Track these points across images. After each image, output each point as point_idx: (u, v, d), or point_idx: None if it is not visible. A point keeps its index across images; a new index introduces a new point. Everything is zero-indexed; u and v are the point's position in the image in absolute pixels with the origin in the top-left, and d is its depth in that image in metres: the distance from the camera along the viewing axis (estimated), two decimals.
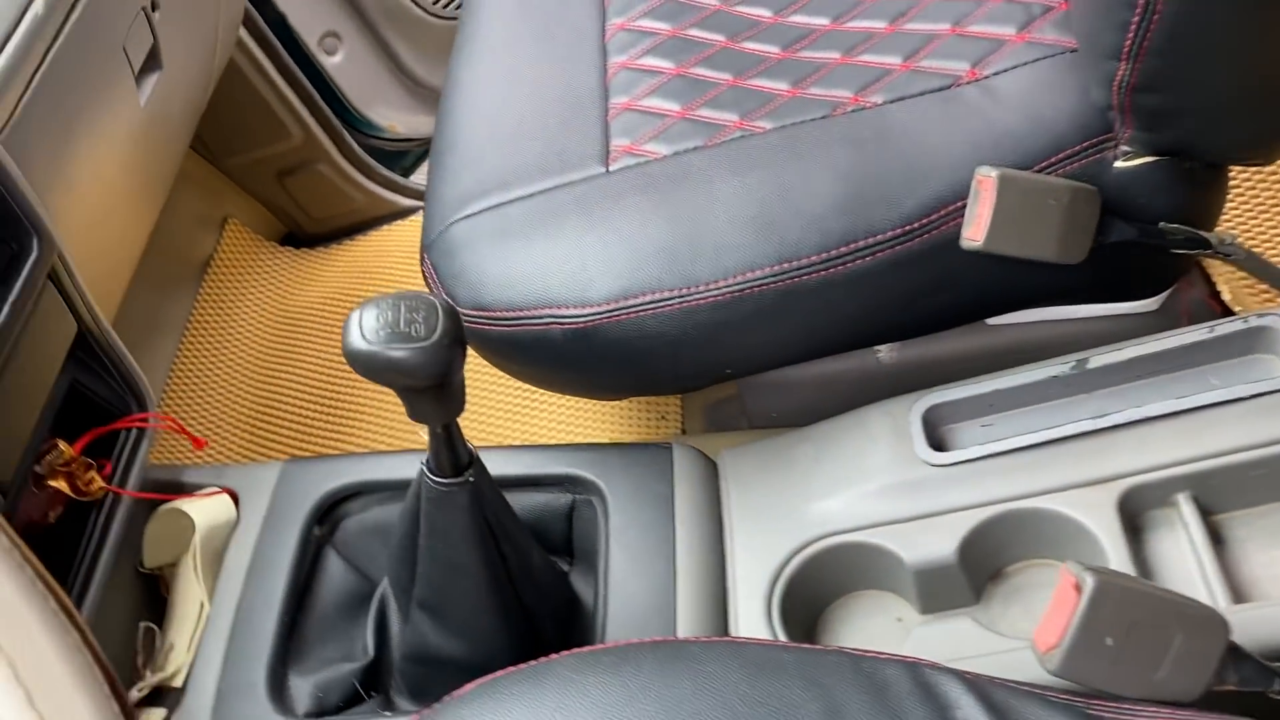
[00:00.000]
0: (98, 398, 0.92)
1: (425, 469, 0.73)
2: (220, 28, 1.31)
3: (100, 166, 0.99)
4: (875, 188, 0.84)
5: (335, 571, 0.95)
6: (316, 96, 1.61)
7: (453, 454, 0.71)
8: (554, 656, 0.64)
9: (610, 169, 0.92)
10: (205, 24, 1.25)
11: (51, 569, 0.86)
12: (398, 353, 0.62)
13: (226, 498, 0.96)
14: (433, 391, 0.64)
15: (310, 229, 1.76)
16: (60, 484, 0.86)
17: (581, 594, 0.92)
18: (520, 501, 0.93)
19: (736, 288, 0.82)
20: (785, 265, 0.82)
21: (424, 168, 1.90)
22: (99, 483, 0.87)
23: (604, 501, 0.91)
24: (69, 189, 0.92)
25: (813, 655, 0.63)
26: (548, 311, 0.86)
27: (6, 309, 0.78)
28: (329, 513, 0.97)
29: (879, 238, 0.82)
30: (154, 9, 1.07)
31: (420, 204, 1.71)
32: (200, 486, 0.98)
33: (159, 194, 1.21)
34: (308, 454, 1.38)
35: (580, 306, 0.85)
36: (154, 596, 0.98)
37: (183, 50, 1.17)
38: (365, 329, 0.62)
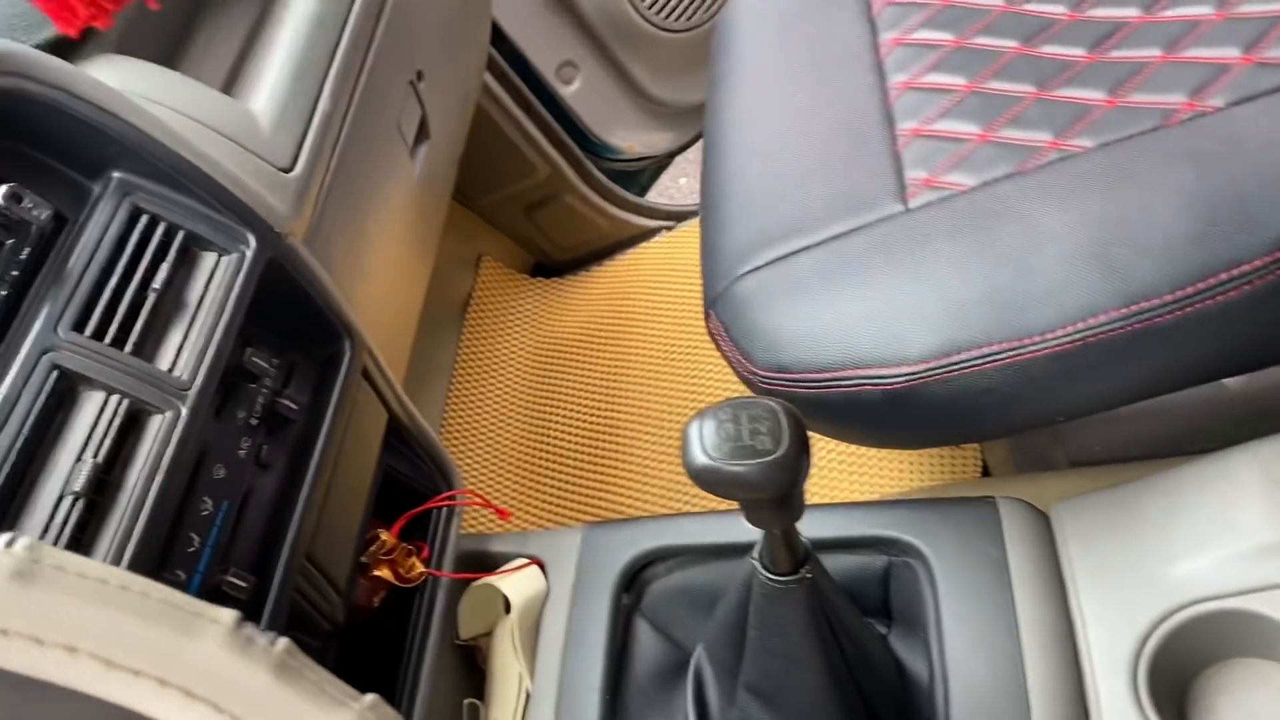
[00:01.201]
0: (408, 479, 0.93)
1: (759, 565, 0.69)
2: (470, 78, 1.32)
3: (387, 247, 1.00)
4: (1232, 210, 0.73)
5: (646, 641, 0.93)
6: (559, 129, 1.61)
7: (790, 552, 0.67)
8: None
9: (910, 206, 0.85)
10: (460, 80, 1.26)
11: (383, 654, 0.88)
12: (743, 468, 0.58)
13: (536, 570, 0.95)
14: (777, 501, 0.60)
15: (558, 258, 1.78)
16: (384, 573, 0.88)
17: (905, 660, 0.87)
18: (831, 565, 0.89)
19: (1078, 336, 0.74)
20: (1134, 308, 0.73)
21: (659, 184, 1.88)
22: (420, 568, 0.88)
23: (928, 567, 0.85)
24: (365, 278, 0.94)
25: None
26: (859, 373, 0.80)
27: (330, 414, 0.79)
28: (634, 579, 0.95)
29: (1243, 269, 0.72)
30: (420, 79, 1.07)
31: (665, 224, 1.69)
32: (506, 556, 0.99)
33: (431, 255, 1.23)
34: (580, 496, 1.37)
35: (896, 366, 0.78)
36: (470, 668, 0.99)
37: (445, 112, 1.18)
38: (707, 444, 0.58)
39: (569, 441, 1.48)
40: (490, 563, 0.99)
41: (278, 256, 0.76)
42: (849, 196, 0.89)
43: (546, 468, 1.47)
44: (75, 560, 0.32)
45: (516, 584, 0.93)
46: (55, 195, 0.70)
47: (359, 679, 0.86)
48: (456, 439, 1.55)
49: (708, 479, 0.59)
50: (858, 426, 0.85)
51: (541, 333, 1.68)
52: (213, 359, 0.69)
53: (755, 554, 0.70)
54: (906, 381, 0.78)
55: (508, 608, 0.98)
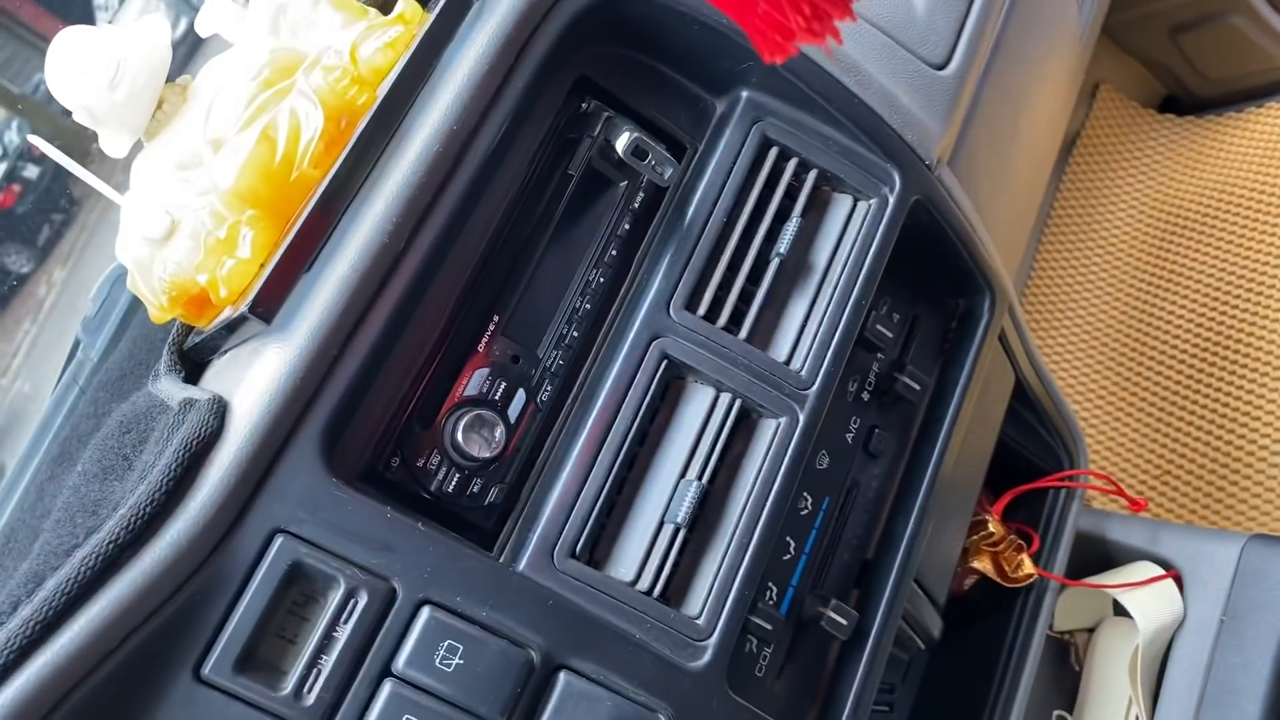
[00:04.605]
0: (1022, 449, 0.76)
1: None
2: None
3: (1035, 140, 0.78)
4: None
5: None
6: None
7: None
8: None
9: None
10: None
11: (974, 643, 0.74)
12: None
13: (1171, 586, 0.75)
14: None
15: (1201, 92, 1.40)
16: (985, 565, 0.72)
17: None
18: None
19: None
20: None
21: None
22: (1028, 567, 0.72)
23: None
24: (1007, 189, 0.73)
25: None
26: None
27: (957, 397, 0.62)
28: None
29: None
30: None
31: None
32: (1128, 550, 0.79)
33: (1067, 119, 0.97)
34: (1210, 445, 1.07)
35: None
36: (1059, 662, 0.83)
37: None
38: None
39: (1193, 351, 1.19)
40: (1106, 554, 0.80)
41: (924, 196, 0.59)
42: None
43: (1157, 382, 1.20)
44: None
45: (1146, 603, 0.74)
46: (676, 114, 0.57)
47: (946, 675, 0.74)
48: (1037, 314, 1.32)
49: None
50: None
51: (1167, 187, 1.35)
52: (837, 349, 0.55)
53: None
54: None
55: (1118, 608, 0.79)
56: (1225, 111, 1.38)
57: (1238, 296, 1.19)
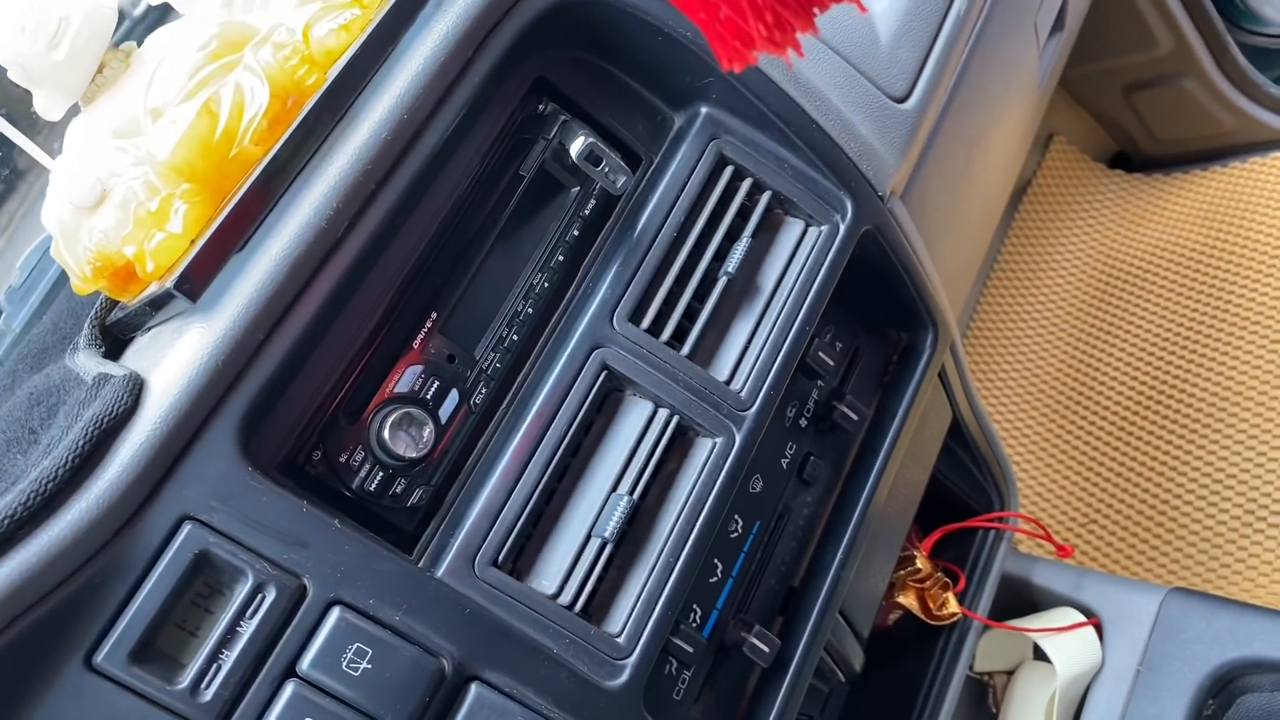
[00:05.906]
0: (954, 487, 0.76)
1: None
2: None
3: (987, 181, 0.79)
4: None
5: None
6: None
7: None
8: None
9: None
10: None
11: (894, 680, 0.74)
12: None
13: (1091, 634, 0.75)
14: None
15: (1151, 151, 1.43)
16: (910, 601, 0.72)
17: None
18: None
19: None
20: None
21: None
22: (953, 606, 0.72)
23: None
24: (955, 229, 0.74)
25: None
26: None
27: (893, 431, 0.62)
28: (1225, 684, 0.72)
29: None
30: None
31: None
32: (1052, 595, 0.80)
33: (1020, 165, 0.99)
34: (1135, 496, 1.09)
35: None
36: (977, 704, 0.83)
37: None
38: None
39: (1126, 403, 1.21)
40: (1030, 597, 0.81)
41: (875, 227, 0.59)
42: None
43: (1090, 431, 1.22)
44: None
45: (1066, 649, 0.74)
46: (633, 124, 0.57)
47: (865, 710, 0.74)
48: (978, 356, 1.33)
49: None
50: None
51: (1112, 241, 1.38)
52: (778, 372, 0.54)
53: None
54: None
55: (1038, 652, 0.80)
56: (1172, 172, 1.41)
57: (1172, 353, 1.22)
